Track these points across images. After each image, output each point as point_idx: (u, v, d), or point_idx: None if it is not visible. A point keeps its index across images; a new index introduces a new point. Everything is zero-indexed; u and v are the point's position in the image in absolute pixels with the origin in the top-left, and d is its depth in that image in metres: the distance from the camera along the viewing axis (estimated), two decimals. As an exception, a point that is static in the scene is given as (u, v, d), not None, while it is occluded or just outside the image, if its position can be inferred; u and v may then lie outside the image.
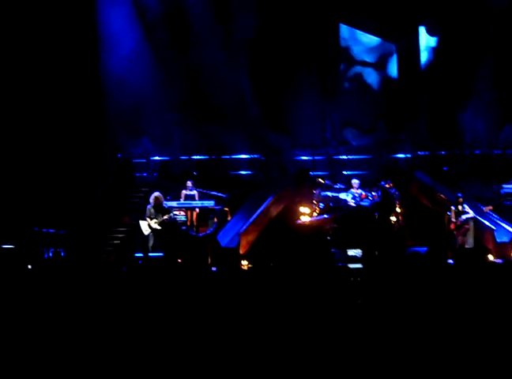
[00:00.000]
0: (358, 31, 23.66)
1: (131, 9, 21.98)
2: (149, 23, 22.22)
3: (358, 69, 23.72)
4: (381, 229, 17.79)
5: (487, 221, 18.02)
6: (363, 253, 16.08)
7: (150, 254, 16.67)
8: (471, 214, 17.40)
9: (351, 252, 16.63)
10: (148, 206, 17.28)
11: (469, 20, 22.32)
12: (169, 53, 22.13)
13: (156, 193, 17.50)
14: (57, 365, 5.76)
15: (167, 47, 22.16)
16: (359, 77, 23.69)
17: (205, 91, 22.10)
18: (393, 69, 23.60)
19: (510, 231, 17.80)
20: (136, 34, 22.00)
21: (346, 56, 23.60)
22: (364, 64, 23.68)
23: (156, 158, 22.39)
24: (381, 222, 18.03)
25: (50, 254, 16.87)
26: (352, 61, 23.69)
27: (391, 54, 23.58)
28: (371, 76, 23.67)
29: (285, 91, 22.67)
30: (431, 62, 23.33)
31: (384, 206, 18.27)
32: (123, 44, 21.72)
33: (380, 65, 23.66)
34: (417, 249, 15.72)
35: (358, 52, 23.69)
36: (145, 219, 17.08)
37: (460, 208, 17.40)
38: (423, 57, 23.34)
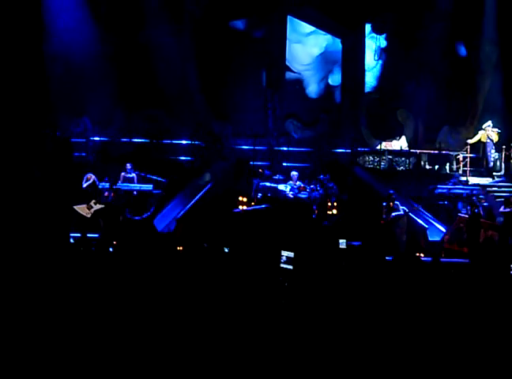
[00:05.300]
0: (304, 34, 23.85)
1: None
2: (96, 2, 21.99)
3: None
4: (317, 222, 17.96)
5: (421, 219, 18.37)
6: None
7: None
8: (401, 211, 17.65)
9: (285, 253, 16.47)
10: (83, 187, 17.07)
11: (412, 22, 22.77)
12: (115, 33, 21.89)
13: (88, 175, 17.37)
14: None
15: (113, 27, 21.92)
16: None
17: (150, 75, 21.95)
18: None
19: (441, 230, 18.18)
20: (82, 13, 21.67)
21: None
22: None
23: (96, 138, 22.12)
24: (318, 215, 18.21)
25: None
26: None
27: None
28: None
29: (230, 79, 22.72)
30: (375, 62, 23.70)
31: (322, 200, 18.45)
32: (68, 22, 21.38)
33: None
34: (351, 243, 15.88)
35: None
36: (80, 204, 16.83)
37: (391, 204, 17.60)
38: (368, 56, 23.69)
